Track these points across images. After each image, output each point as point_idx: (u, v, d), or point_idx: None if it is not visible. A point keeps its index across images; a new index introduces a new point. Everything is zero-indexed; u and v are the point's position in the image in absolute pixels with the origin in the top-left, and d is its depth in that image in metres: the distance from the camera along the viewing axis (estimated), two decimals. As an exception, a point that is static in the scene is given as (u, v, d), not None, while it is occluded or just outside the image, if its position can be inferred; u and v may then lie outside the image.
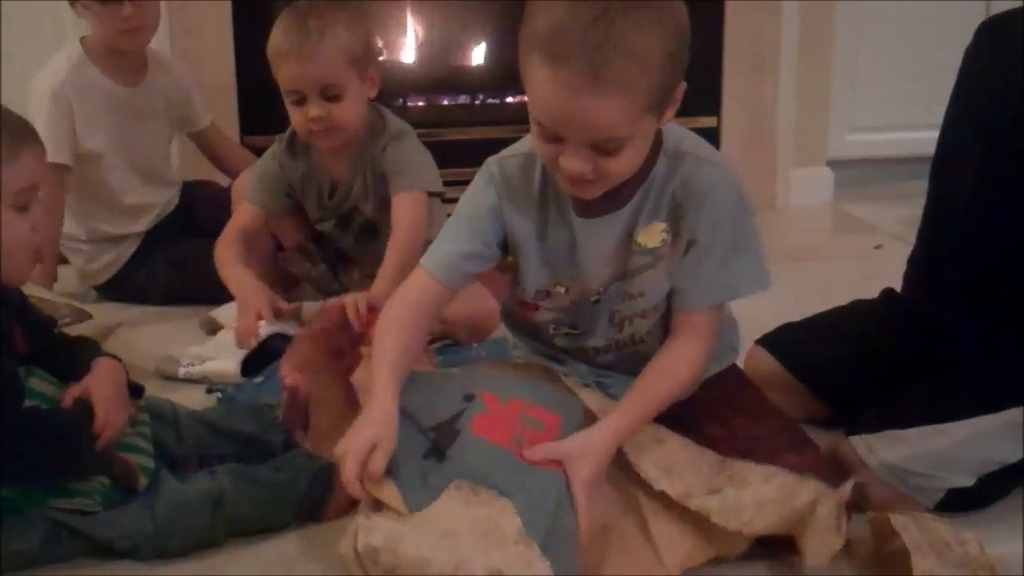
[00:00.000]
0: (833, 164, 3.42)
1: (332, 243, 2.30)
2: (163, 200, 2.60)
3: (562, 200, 1.46)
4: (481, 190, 1.50)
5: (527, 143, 1.44)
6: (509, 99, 3.25)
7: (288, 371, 1.67)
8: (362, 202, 2.20)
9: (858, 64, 3.38)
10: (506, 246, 1.51)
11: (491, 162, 1.51)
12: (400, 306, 1.50)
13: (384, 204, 2.16)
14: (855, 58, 3.37)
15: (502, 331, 1.77)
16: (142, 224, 2.56)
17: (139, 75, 2.52)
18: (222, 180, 2.74)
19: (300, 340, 1.77)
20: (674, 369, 1.44)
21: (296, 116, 2.10)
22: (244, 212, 2.24)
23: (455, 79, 3.28)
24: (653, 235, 1.43)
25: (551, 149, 1.32)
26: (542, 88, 1.27)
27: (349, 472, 1.28)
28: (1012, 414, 1.46)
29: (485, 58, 3.28)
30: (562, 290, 1.51)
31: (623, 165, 1.32)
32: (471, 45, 3.28)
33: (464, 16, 3.28)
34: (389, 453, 1.30)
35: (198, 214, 2.62)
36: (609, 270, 1.47)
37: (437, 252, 1.51)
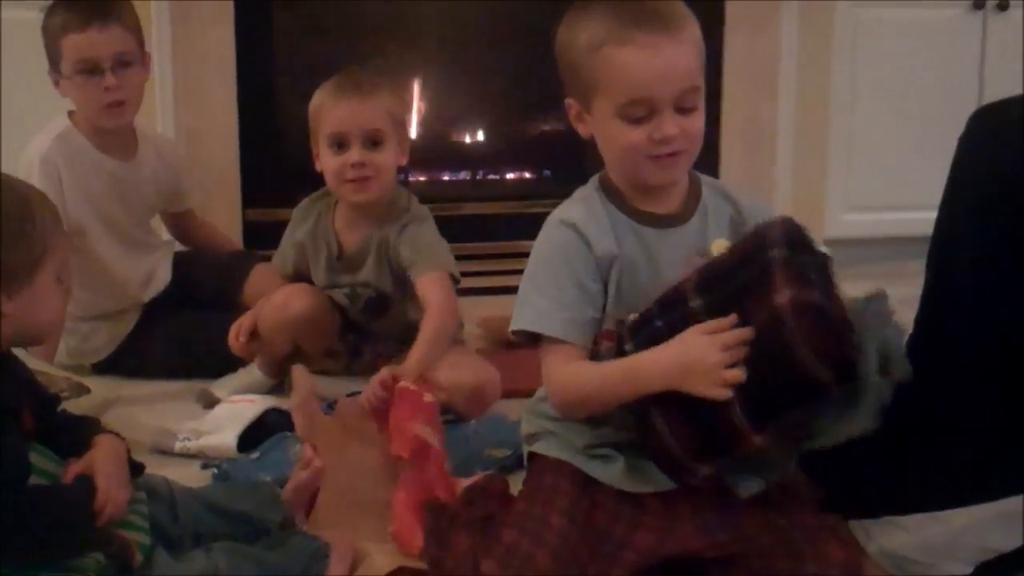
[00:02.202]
0: (830, 243, 3.39)
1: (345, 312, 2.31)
2: (150, 266, 2.54)
3: (628, 221, 1.52)
4: (561, 240, 1.50)
5: (575, 195, 1.56)
6: (509, 175, 3.29)
7: (311, 451, 1.69)
8: (376, 275, 2.23)
9: (855, 144, 3.40)
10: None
11: (555, 217, 1.53)
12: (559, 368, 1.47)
13: (397, 281, 2.20)
14: (852, 138, 3.39)
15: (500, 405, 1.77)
16: (135, 295, 2.51)
17: (128, 151, 2.48)
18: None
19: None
20: None
21: (334, 163, 2.15)
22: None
23: (456, 155, 3.32)
24: (722, 249, 1.49)
25: (640, 132, 1.45)
26: (627, 63, 1.44)
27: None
28: (1009, 503, 1.46)
29: (485, 135, 3.32)
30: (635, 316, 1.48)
31: (700, 124, 1.48)
32: (472, 122, 3.32)
33: (466, 93, 3.32)
34: None
35: (194, 287, 2.59)
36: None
37: (550, 316, 1.47)
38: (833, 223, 3.42)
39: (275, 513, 1.62)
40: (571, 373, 1.46)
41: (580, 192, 1.57)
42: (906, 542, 1.47)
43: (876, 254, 3.46)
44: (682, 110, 1.46)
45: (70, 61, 2.32)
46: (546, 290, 1.49)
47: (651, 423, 1.39)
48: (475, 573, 1.40)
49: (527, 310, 1.50)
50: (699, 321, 1.38)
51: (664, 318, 1.42)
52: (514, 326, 1.51)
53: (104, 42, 2.30)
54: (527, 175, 3.33)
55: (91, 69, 2.31)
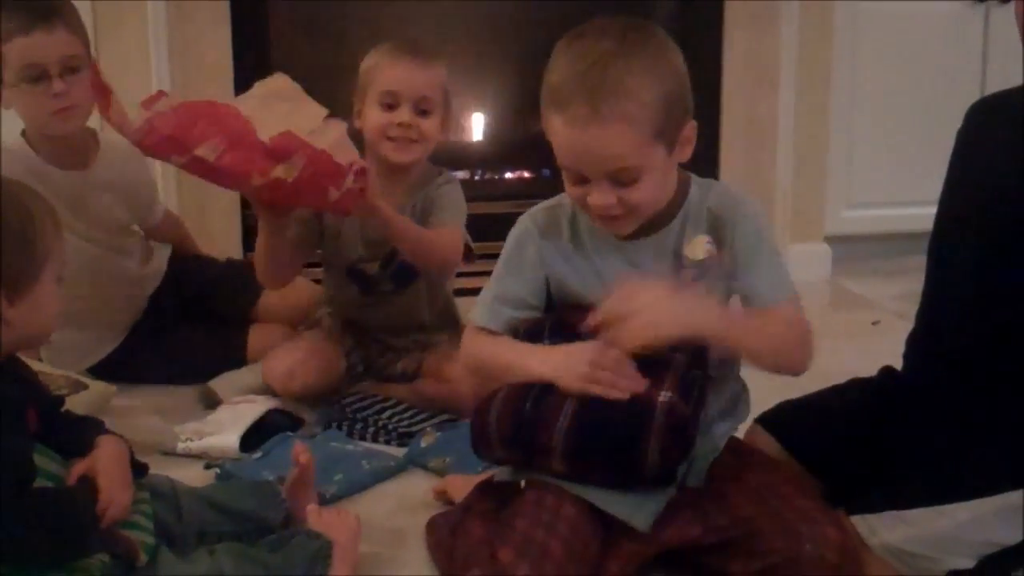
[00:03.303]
0: (831, 240, 3.43)
1: (370, 287, 2.26)
2: (133, 272, 2.45)
3: (599, 231, 1.55)
4: (519, 243, 1.60)
5: (551, 200, 1.62)
6: (508, 175, 3.28)
7: (301, 447, 1.69)
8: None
9: (855, 140, 3.40)
10: (550, 297, 1.60)
11: (523, 218, 1.63)
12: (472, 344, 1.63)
13: None
14: (852, 134, 3.39)
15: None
16: (120, 302, 2.43)
17: (81, 160, 2.34)
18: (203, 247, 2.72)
19: None
20: (779, 321, 1.52)
21: (381, 119, 2.12)
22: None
23: (454, 155, 3.31)
24: (698, 248, 1.53)
25: (579, 191, 1.48)
26: (558, 133, 1.45)
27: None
28: (1012, 497, 1.45)
29: (484, 134, 3.32)
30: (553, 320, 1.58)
31: (643, 196, 1.46)
32: (470, 121, 3.31)
33: (464, 93, 3.32)
34: None
35: (201, 299, 2.55)
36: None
37: (480, 307, 1.62)
38: (833, 219, 3.43)
39: (277, 512, 1.63)
40: (482, 339, 1.60)
41: (550, 201, 1.62)
42: (909, 536, 1.47)
43: (877, 250, 3.47)
44: (619, 183, 1.45)
45: (14, 68, 2.17)
46: (489, 284, 1.63)
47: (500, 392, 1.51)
48: (491, 560, 1.41)
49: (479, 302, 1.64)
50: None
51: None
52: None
53: (51, 45, 2.17)
54: (526, 175, 3.33)
55: (38, 75, 2.17)
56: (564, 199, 1.59)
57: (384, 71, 2.13)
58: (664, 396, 1.43)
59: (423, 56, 2.15)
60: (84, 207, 2.33)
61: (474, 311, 1.64)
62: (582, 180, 1.46)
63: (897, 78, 3.36)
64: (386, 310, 2.29)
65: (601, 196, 1.45)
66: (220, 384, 2.32)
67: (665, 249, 1.55)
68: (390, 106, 2.12)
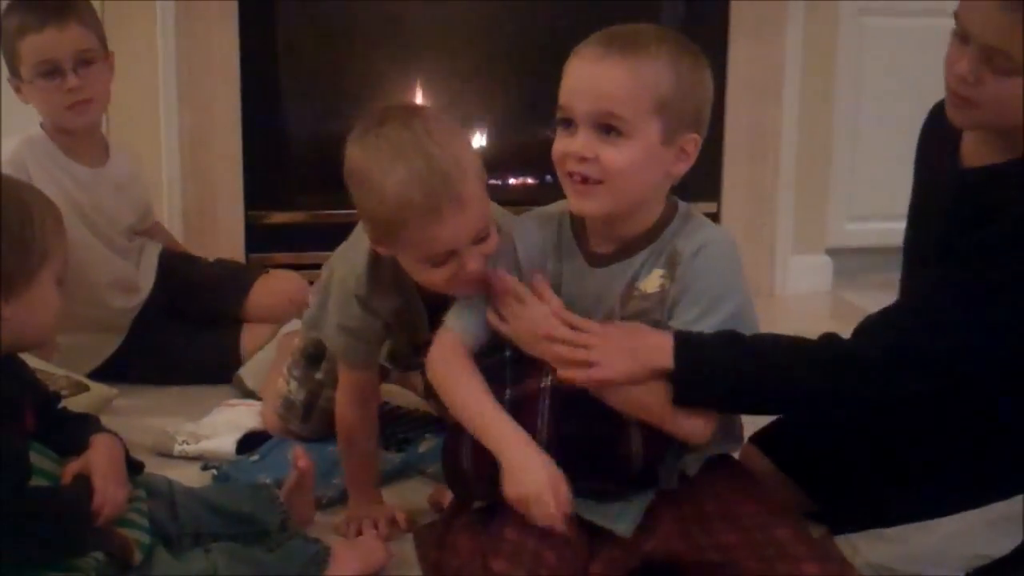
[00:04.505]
0: (832, 252, 3.43)
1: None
2: (132, 273, 2.47)
3: (576, 254, 1.53)
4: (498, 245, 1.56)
5: (541, 209, 1.59)
6: (512, 180, 3.28)
7: (300, 451, 1.69)
8: None
9: (857, 153, 3.40)
10: None
11: (515, 219, 1.61)
12: (452, 354, 1.54)
13: None
14: (854, 146, 3.39)
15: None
16: (118, 304, 2.44)
17: (98, 158, 2.40)
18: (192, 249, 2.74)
19: None
20: None
21: (442, 276, 1.56)
22: (357, 382, 1.79)
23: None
24: (652, 281, 1.49)
25: (564, 143, 1.44)
26: (567, 74, 1.44)
27: (551, 509, 1.36)
28: (1004, 507, 1.45)
29: (488, 139, 3.32)
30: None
31: (621, 161, 1.41)
32: (475, 126, 3.31)
33: (468, 97, 3.32)
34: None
35: (188, 298, 2.54)
36: (610, 317, 1.51)
37: (455, 308, 1.57)
38: (836, 232, 3.43)
39: (274, 515, 1.63)
40: (454, 374, 1.52)
41: (558, 203, 1.57)
42: (892, 553, 1.47)
43: (878, 263, 3.45)
44: (603, 133, 1.42)
45: (29, 64, 2.24)
46: None
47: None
48: (485, 572, 1.40)
49: None
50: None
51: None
52: None
53: (63, 41, 2.23)
54: (530, 180, 3.33)
55: (52, 71, 2.23)
56: (561, 206, 1.57)
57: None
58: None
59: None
60: (101, 205, 2.38)
61: (450, 312, 1.58)
62: (570, 122, 1.43)
63: (899, 91, 3.34)
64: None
65: (583, 142, 1.42)
66: (248, 370, 2.34)
67: (624, 278, 1.51)
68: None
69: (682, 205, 1.54)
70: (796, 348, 1.46)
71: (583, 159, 1.42)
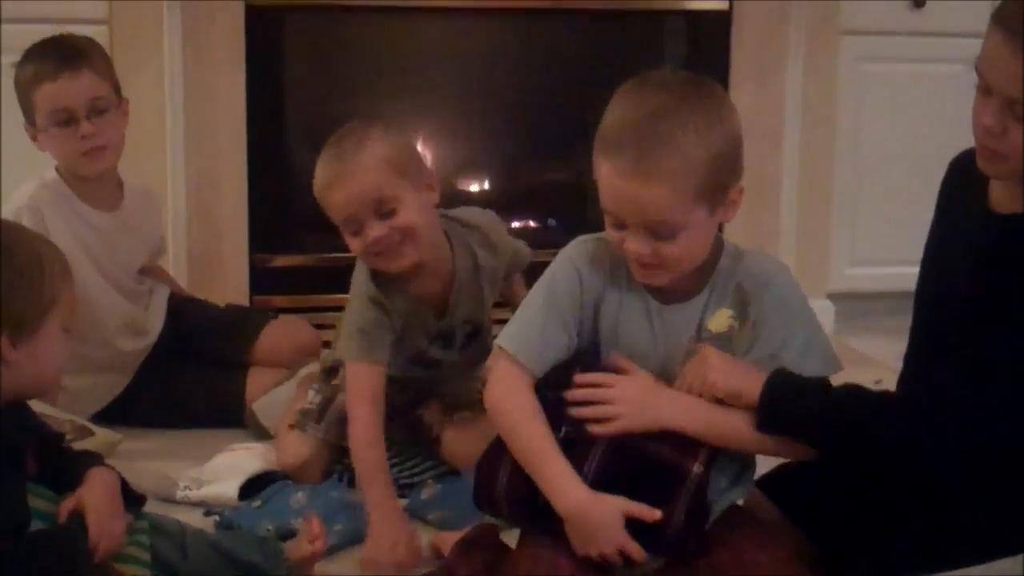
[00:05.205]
0: (833, 297, 3.44)
1: (427, 368, 2.11)
2: (141, 316, 2.48)
3: (637, 290, 1.53)
4: (561, 274, 1.55)
5: (587, 239, 1.58)
6: (515, 224, 3.30)
7: (317, 524, 1.71)
8: (476, 309, 2.08)
9: (859, 198, 3.41)
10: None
11: (569, 247, 1.59)
12: (515, 390, 1.51)
13: (488, 297, 2.10)
14: (855, 192, 3.40)
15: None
16: (127, 346, 2.44)
17: (113, 202, 2.42)
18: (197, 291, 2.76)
19: None
20: None
21: (357, 246, 1.90)
22: (368, 377, 1.91)
23: (462, 203, 3.32)
24: (721, 321, 1.52)
25: (618, 235, 1.46)
26: (604, 177, 1.43)
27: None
28: (1013, 563, 1.44)
29: (491, 183, 3.34)
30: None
31: (679, 252, 1.44)
32: (479, 170, 3.34)
33: (473, 142, 3.35)
34: None
35: (195, 341, 2.55)
36: (681, 357, 1.52)
37: (519, 336, 1.53)
38: (837, 277, 3.43)
39: (280, 568, 1.64)
40: (518, 410, 1.50)
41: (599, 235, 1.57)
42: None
43: (880, 308, 3.46)
44: (656, 235, 1.43)
45: (44, 112, 2.27)
46: (524, 312, 1.55)
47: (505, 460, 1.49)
48: None
49: (508, 327, 1.56)
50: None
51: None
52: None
53: (77, 89, 2.26)
54: (533, 224, 3.35)
55: (66, 119, 2.26)
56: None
57: (330, 203, 1.90)
58: (697, 468, 1.45)
59: (349, 164, 1.88)
60: (114, 250, 2.40)
61: (508, 334, 1.55)
62: (621, 225, 1.45)
63: (901, 136, 3.38)
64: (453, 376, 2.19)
65: (637, 244, 1.43)
66: (262, 406, 2.35)
67: (691, 320, 1.53)
68: (356, 232, 1.91)
69: (729, 243, 1.57)
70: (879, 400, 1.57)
71: (638, 256, 1.45)
